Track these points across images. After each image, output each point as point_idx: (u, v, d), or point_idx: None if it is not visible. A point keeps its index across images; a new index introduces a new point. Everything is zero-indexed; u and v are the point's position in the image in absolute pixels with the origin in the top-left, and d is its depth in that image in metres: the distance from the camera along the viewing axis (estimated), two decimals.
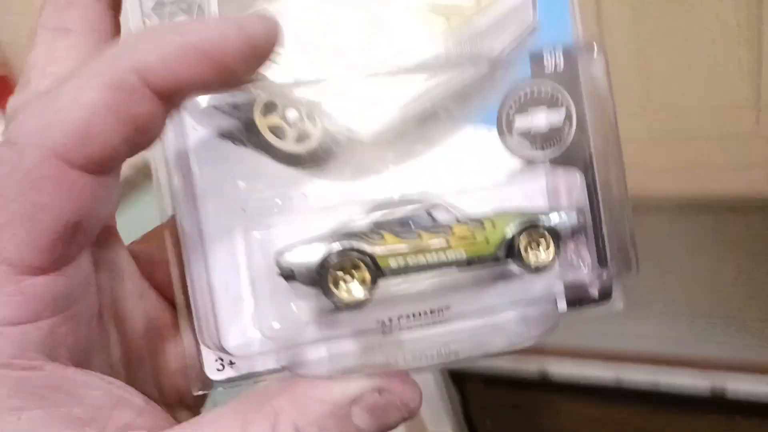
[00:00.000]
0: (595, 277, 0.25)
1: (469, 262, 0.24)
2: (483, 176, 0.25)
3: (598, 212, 0.25)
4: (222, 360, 0.24)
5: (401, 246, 0.23)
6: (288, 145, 0.25)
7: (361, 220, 0.23)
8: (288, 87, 0.25)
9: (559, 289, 0.25)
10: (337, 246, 0.23)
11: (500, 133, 0.26)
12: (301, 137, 0.25)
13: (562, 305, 0.26)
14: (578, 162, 0.26)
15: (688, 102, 0.72)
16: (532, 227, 0.24)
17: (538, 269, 0.24)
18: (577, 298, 0.26)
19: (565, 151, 0.26)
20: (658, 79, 0.71)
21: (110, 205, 0.21)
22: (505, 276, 0.25)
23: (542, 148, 0.26)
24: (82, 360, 0.21)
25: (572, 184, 0.25)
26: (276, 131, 0.25)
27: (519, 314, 0.25)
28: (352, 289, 0.23)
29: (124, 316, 0.25)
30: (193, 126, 0.24)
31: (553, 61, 0.26)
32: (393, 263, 0.23)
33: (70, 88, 0.19)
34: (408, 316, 0.24)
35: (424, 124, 0.25)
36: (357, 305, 0.23)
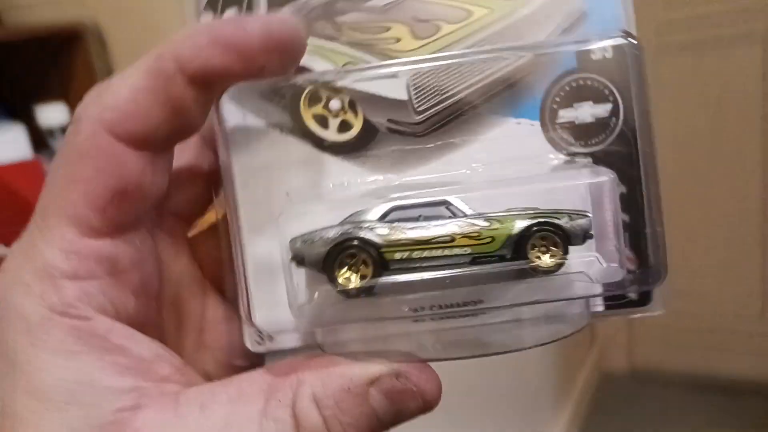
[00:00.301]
0: (634, 279, 0.24)
1: (474, 260, 0.23)
2: (523, 170, 0.25)
3: (642, 212, 0.24)
4: (261, 335, 0.26)
5: (406, 239, 0.23)
6: (331, 135, 0.26)
7: (376, 212, 0.24)
8: (332, 77, 0.25)
9: (597, 289, 0.25)
10: (343, 237, 0.23)
11: (543, 126, 0.25)
12: (343, 127, 0.26)
13: (598, 305, 0.25)
14: (623, 158, 0.25)
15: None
16: (540, 228, 0.24)
17: (541, 272, 0.24)
18: (615, 299, 0.25)
19: (609, 147, 0.25)
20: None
21: (157, 182, 0.24)
22: (543, 273, 0.24)
23: (586, 143, 0.25)
24: (131, 322, 0.23)
25: (613, 181, 0.24)
26: (320, 121, 0.26)
27: (552, 311, 0.25)
28: (353, 279, 0.23)
29: (179, 300, 0.27)
30: (244, 114, 0.26)
31: (601, 52, 0.25)
32: (398, 256, 0.23)
33: (122, 76, 0.22)
34: (440, 306, 0.25)
35: (465, 115, 0.26)
36: (357, 293, 0.23)
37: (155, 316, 0.25)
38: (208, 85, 0.22)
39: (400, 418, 0.23)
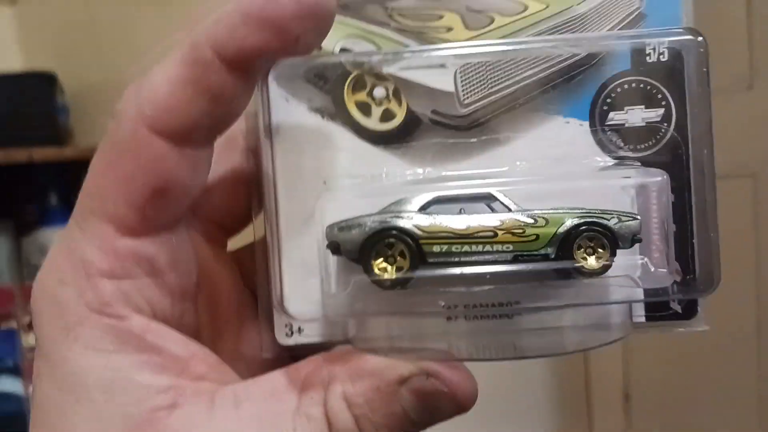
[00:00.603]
0: (679, 290, 0.24)
1: (516, 257, 0.23)
2: (569, 170, 0.24)
3: (690, 221, 0.24)
4: (291, 326, 0.25)
5: (446, 232, 0.23)
6: (372, 123, 0.25)
7: (417, 202, 0.23)
8: (378, 62, 0.25)
9: (639, 297, 0.24)
10: (382, 225, 0.23)
11: (592, 127, 0.25)
12: (386, 116, 0.25)
13: (640, 315, 0.24)
14: (672, 165, 0.24)
15: None
16: (587, 228, 0.23)
17: (586, 274, 0.23)
18: (658, 310, 0.24)
19: (660, 152, 0.24)
20: None
21: (197, 180, 0.23)
22: (588, 275, 0.23)
23: (635, 147, 0.24)
24: (167, 322, 0.23)
25: (665, 182, 0.24)
26: (362, 108, 0.25)
27: (591, 318, 0.24)
28: (389, 269, 0.23)
29: (217, 304, 0.26)
30: (286, 98, 0.25)
31: (656, 54, 0.24)
32: (437, 248, 0.23)
33: (159, 68, 0.21)
34: (475, 306, 0.24)
35: (512, 111, 0.25)
36: (392, 285, 0.23)
37: (192, 318, 0.25)
38: (248, 67, 0.21)
39: (433, 418, 0.22)
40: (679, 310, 0.24)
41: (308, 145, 0.25)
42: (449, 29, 0.26)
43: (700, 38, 0.23)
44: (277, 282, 0.23)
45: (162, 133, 0.21)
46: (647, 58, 0.24)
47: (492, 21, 0.25)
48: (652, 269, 0.23)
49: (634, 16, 0.25)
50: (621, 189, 0.24)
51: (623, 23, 0.25)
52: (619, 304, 0.23)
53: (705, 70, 0.23)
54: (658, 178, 0.23)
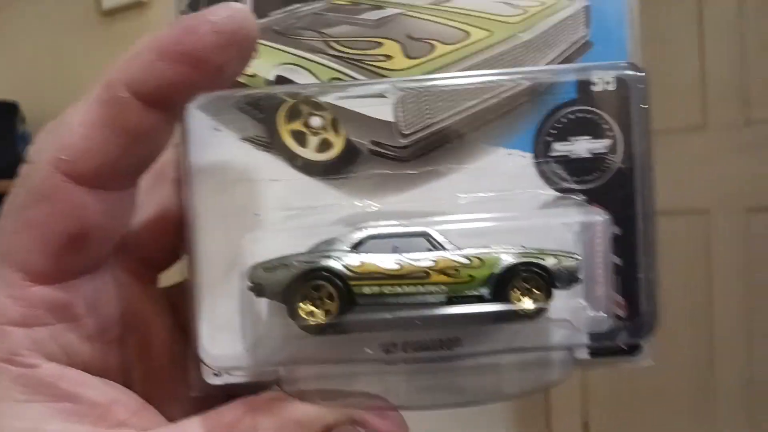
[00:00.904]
0: (623, 327, 0.23)
1: (450, 299, 0.22)
2: (511, 204, 0.23)
3: (635, 256, 0.23)
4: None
5: (378, 273, 0.22)
6: (308, 153, 0.24)
7: (349, 241, 0.22)
8: (314, 92, 0.24)
9: (582, 338, 0.23)
10: (309, 266, 0.22)
11: (536, 158, 0.24)
12: (323, 146, 0.24)
13: (583, 353, 0.23)
14: (619, 198, 0.23)
15: None
16: (524, 269, 0.22)
17: (521, 317, 0.22)
18: (603, 348, 0.24)
19: (606, 185, 0.23)
20: None
21: (119, 221, 0.22)
22: (523, 318, 0.23)
23: (581, 179, 0.23)
24: (87, 367, 0.22)
25: (606, 223, 0.23)
26: (298, 138, 0.24)
27: (534, 358, 0.23)
28: (317, 313, 0.22)
29: (147, 340, 0.25)
30: (216, 127, 0.24)
31: (602, 85, 0.23)
32: (367, 290, 0.22)
33: (73, 110, 0.20)
34: (414, 348, 0.23)
35: (453, 142, 0.24)
36: (319, 331, 0.21)
37: (118, 360, 0.24)
38: (168, 103, 0.20)
39: None
40: (624, 347, 0.24)
41: (238, 178, 0.24)
42: (389, 57, 0.25)
43: (641, 73, 0.22)
44: (195, 328, 0.22)
45: (78, 179, 0.20)
46: (594, 87, 0.23)
47: (433, 49, 0.25)
48: (592, 313, 0.22)
49: (580, 45, 0.24)
50: (563, 226, 0.23)
51: (568, 51, 0.24)
52: (563, 348, 0.22)
53: (645, 107, 0.22)
54: (601, 214, 0.23)
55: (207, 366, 0.22)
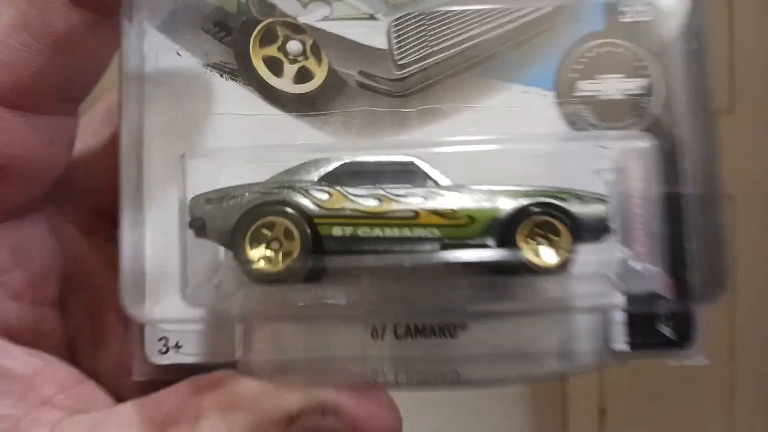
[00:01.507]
0: (669, 306, 0.18)
1: (444, 245, 0.17)
2: (522, 149, 0.19)
3: (682, 215, 0.18)
4: (166, 341, 0.19)
5: (351, 210, 0.17)
6: (284, 84, 0.20)
7: (319, 170, 0.18)
8: (293, 11, 0.20)
9: (617, 298, 0.18)
10: (265, 198, 0.17)
11: (558, 98, 0.20)
12: (302, 76, 0.20)
13: (621, 344, 0.19)
14: (660, 150, 0.19)
15: None
16: (539, 211, 0.17)
17: (538, 270, 0.17)
18: (643, 336, 0.19)
19: (641, 131, 0.19)
20: None
21: (53, 154, 0.19)
22: (531, 275, 0.18)
23: (611, 126, 0.19)
24: (12, 332, 0.19)
25: (647, 173, 0.18)
26: (272, 65, 0.20)
27: (558, 347, 0.18)
28: (273, 259, 0.17)
29: (96, 302, 0.21)
30: (177, 51, 0.20)
31: (633, 14, 0.19)
32: (337, 231, 0.17)
33: None
34: (408, 329, 0.18)
35: (458, 76, 0.20)
36: (272, 280, 0.17)
37: (56, 325, 0.20)
38: (99, 1, 0.17)
39: None
40: (671, 336, 0.19)
41: (197, 109, 0.19)
42: None
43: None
44: (137, 285, 0.18)
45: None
46: (622, 17, 0.20)
47: None
48: (637, 265, 0.18)
49: None
50: (593, 173, 0.19)
51: None
52: (589, 312, 0.18)
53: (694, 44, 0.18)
54: (643, 143, 0.18)
55: (151, 323, 0.18)
